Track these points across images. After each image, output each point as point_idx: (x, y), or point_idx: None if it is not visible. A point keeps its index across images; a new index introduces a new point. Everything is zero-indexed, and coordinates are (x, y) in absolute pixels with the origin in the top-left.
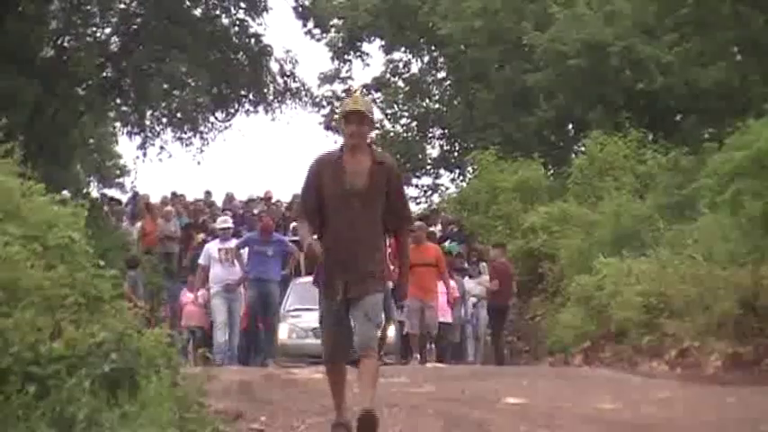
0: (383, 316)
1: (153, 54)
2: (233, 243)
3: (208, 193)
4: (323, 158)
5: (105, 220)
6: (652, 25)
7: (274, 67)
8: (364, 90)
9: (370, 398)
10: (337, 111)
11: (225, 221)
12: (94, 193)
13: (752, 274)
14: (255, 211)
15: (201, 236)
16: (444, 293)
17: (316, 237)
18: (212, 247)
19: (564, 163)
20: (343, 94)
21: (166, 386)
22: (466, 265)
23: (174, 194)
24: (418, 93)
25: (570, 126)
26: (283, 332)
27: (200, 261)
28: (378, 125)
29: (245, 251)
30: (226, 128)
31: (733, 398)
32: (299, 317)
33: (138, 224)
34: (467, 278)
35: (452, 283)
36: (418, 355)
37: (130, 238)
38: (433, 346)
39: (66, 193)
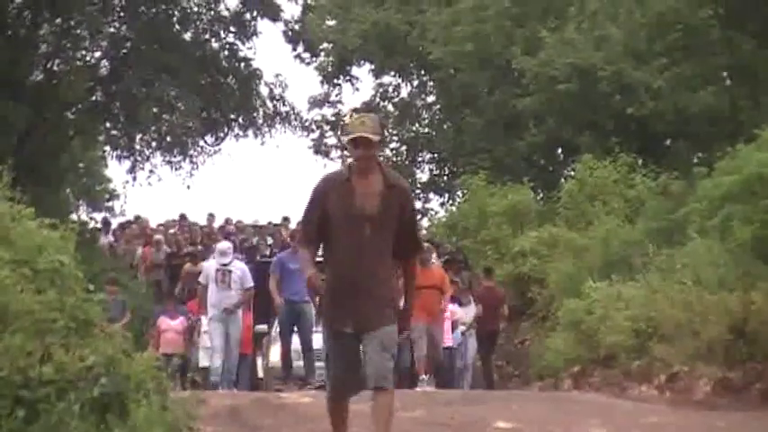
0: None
1: (143, 78)
2: (234, 265)
3: (211, 216)
4: (330, 178)
5: (96, 244)
6: (642, 50)
7: (264, 90)
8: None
9: None
10: (328, 133)
11: (225, 251)
12: (84, 217)
13: (741, 299)
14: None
15: (188, 265)
16: (448, 318)
17: (318, 264)
18: (211, 267)
19: (553, 187)
20: (333, 118)
21: (156, 410)
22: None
23: (182, 216)
24: (408, 117)
25: (560, 150)
26: (275, 354)
27: (200, 280)
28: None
29: (241, 272)
30: (215, 152)
31: (723, 422)
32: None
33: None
34: (456, 305)
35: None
36: (425, 376)
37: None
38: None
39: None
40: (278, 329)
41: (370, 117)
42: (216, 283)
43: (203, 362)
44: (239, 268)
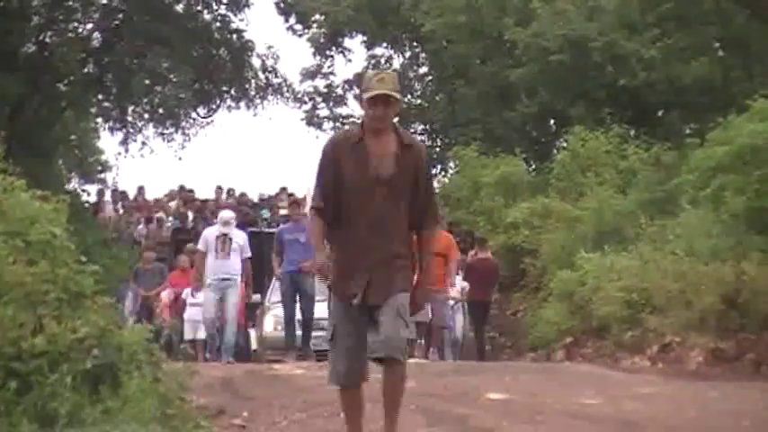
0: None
1: (135, 50)
2: (234, 233)
3: (219, 189)
4: (340, 140)
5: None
6: (634, 20)
7: (256, 62)
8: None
9: (394, 423)
10: (320, 105)
11: (228, 220)
12: (77, 189)
13: (734, 269)
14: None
15: (191, 245)
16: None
17: (328, 240)
18: (211, 233)
19: (546, 158)
20: (325, 90)
21: (148, 382)
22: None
23: (181, 188)
24: (400, 88)
25: (552, 122)
26: (269, 324)
27: (199, 247)
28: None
29: (242, 241)
30: (207, 123)
31: (715, 393)
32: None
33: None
34: None
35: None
36: (435, 348)
37: (143, 240)
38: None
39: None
40: (271, 300)
41: (390, 74)
42: (216, 251)
43: (188, 335)
44: (240, 236)
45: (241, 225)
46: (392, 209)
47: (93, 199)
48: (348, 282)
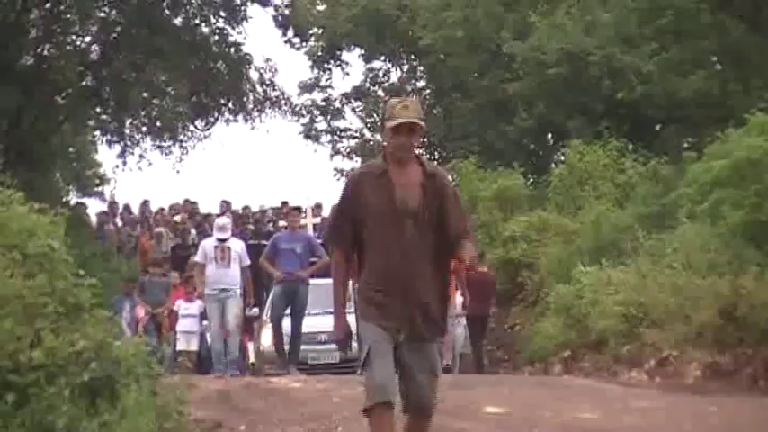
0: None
1: (132, 62)
2: (232, 242)
3: (225, 203)
4: (362, 174)
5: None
6: (632, 34)
7: (254, 75)
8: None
9: None
10: (318, 118)
11: (224, 226)
12: (74, 202)
13: (731, 283)
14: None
15: (192, 260)
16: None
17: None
18: (209, 244)
19: (544, 172)
20: (323, 103)
21: (146, 395)
22: None
23: (186, 201)
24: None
25: (550, 135)
26: (266, 338)
27: (197, 259)
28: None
29: (241, 249)
30: (205, 136)
31: (713, 407)
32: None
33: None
34: None
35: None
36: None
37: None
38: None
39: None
40: (269, 313)
41: (413, 101)
42: (215, 260)
43: (181, 345)
44: (237, 244)
45: (249, 235)
46: (422, 241)
47: (92, 212)
48: (387, 314)
